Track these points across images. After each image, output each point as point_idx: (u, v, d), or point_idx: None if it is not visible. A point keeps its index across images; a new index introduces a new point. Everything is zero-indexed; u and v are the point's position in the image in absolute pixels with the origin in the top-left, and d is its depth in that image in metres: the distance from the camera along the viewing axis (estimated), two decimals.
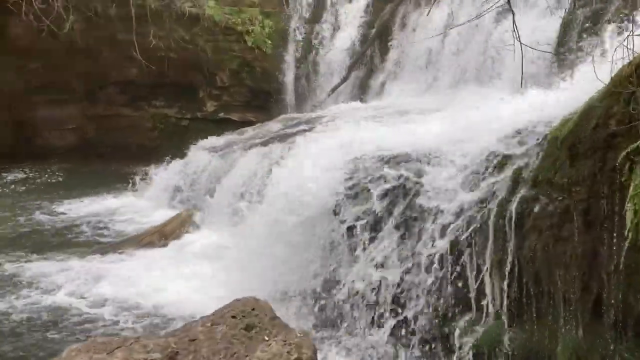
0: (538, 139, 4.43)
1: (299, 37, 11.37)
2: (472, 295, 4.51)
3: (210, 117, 11.94)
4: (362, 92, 10.52)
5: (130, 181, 10.05)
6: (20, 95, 12.08)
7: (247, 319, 3.53)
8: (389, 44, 10.52)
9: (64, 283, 6.27)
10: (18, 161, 11.79)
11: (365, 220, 5.00)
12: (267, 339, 3.42)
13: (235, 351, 3.35)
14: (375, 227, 4.96)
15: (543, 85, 5.99)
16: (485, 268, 4.40)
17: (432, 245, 4.60)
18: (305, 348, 3.36)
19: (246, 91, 11.76)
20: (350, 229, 5.03)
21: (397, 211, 4.85)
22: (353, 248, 5.03)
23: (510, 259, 4.27)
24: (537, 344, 4.19)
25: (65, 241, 7.90)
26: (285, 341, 3.38)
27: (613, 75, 3.73)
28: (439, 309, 4.63)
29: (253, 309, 3.61)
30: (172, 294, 5.71)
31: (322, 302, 5.01)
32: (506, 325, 4.34)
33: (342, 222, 5.09)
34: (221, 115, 11.87)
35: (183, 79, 11.68)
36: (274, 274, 5.24)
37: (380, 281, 4.82)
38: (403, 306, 4.78)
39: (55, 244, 7.79)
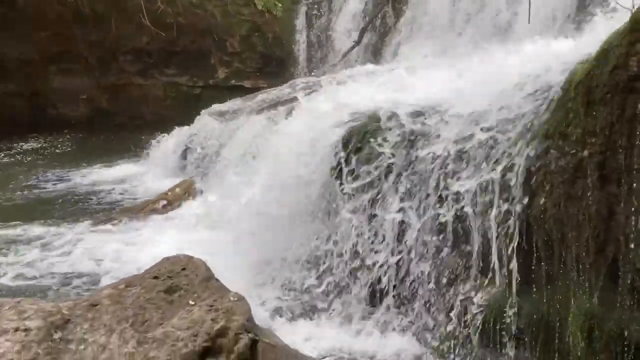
0: (551, 88, 4.00)
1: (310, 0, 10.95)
2: (477, 259, 4.17)
3: (222, 84, 11.71)
4: (375, 55, 10.09)
5: (140, 150, 9.95)
6: (34, 66, 12.04)
7: (172, 280, 2.98)
8: (404, 6, 10.02)
9: (56, 249, 6.21)
10: (33, 131, 11.82)
11: (366, 179, 4.68)
12: (192, 303, 2.89)
13: (147, 318, 2.82)
14: (376, 186, 4.64)
15: (566, 32, 5.51)
16: (490, 229, 4.04)
17: (434, 203, 4.26)
18: (237, 315, 2.82)
19: (258, 57, 11.46)
20: (350, 190, 4.72)
21: (397, 170, 4.52)
22: (352, 210, 4.72)
23: (518, 219, 3.89)
24: (547, 311, 3.83)
25: (69, 209, 7.83)
26: (212, 306, 2.84)
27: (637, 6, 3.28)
28: (441, 275, 4.31)
29: (183, 269, 3.04)
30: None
31: (317, 267, 4.74)
32: (514, 292, 3.99)
33: (341, 182, 4.79)
34: (233, 82, 11.62)
35: (193, 45, 11.43)
36: (269, 239, 4.99)
37: (379, 243, 4.52)
38: (403, 273, 4.47)
39: (59, 211, 7.73)
